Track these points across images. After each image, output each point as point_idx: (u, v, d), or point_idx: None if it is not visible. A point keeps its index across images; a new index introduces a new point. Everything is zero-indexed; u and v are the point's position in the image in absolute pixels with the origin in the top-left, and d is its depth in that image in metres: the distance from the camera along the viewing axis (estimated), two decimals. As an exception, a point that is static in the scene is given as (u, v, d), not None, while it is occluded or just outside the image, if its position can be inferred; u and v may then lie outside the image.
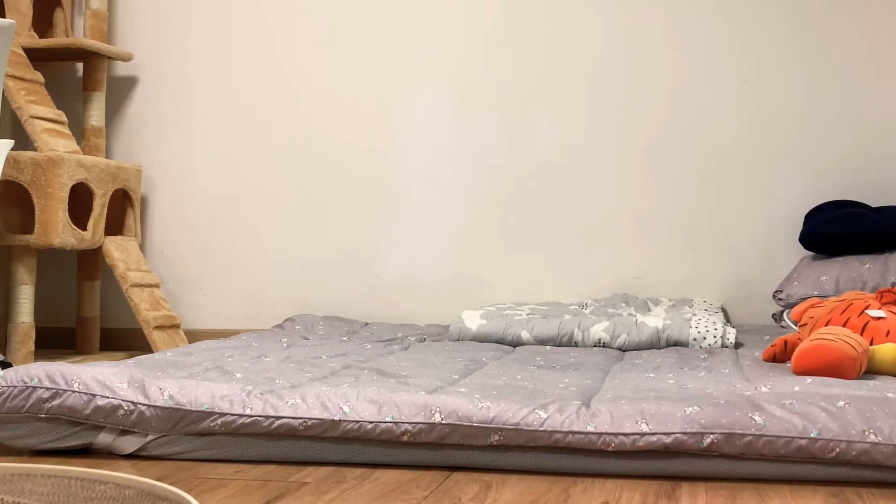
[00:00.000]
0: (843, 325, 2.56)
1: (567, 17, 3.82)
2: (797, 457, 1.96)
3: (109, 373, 2.21)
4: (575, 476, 2.01)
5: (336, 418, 2.08)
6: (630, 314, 3.37)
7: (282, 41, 3.99)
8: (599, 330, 3.17)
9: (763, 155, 3.70)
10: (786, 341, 2.68)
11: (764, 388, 2.23)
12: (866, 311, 2.57)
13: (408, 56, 3.91)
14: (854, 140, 3.65)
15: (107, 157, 4.04)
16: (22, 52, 3.64)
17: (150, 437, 2.15)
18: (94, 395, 2.15)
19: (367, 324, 3.72)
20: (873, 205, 3.62)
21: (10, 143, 2.80)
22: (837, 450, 1.94)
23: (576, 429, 2.00)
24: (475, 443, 2.04)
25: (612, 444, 1.99)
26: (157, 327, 3.61)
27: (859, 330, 2.53)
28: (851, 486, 1.94)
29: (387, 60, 3.93)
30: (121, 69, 4.10)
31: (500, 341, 3.24)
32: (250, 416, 2.10)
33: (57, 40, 3.73)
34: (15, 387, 2.17)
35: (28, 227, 3.51)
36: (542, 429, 2.01)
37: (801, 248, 3.63)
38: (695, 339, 3.09)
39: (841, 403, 2.01)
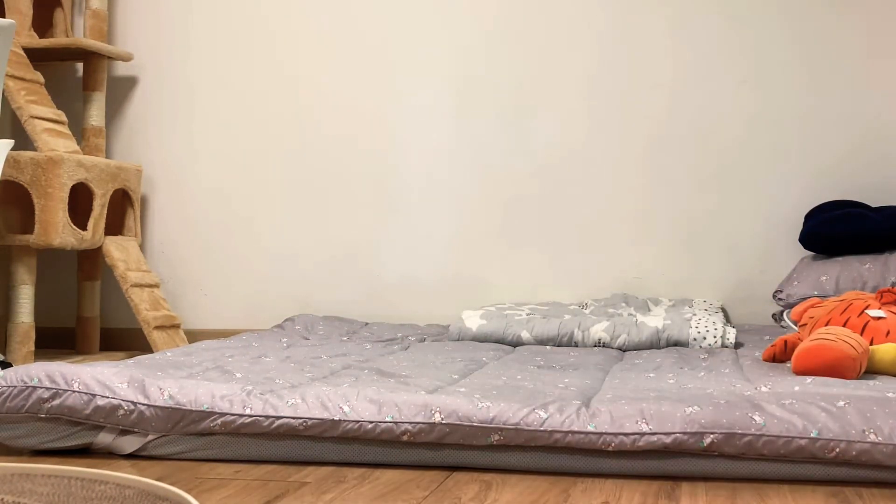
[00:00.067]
0: (843, 325, 2.56)
1: (567, 17, 3.82)
2: (797, 457, 1.96)
3: (109, 373, 2.21)
4: (575, 476, 2.01)
5: (336, 418, 2.08)
6: (630, 314, 3.37)
7: (282, 41, 3.99)
8: (599, 330, 3.17)
9: (763, 155, 3.70)
10: (786, 341, 2.68)
11: (764, 388, 2.23)
12: (866, 311, 2.57)
13: (408, 56, 3.91)
14: (854, 140, 3.65)
15: (107, 157, 4.04)
16: (22, 52, 3.64)
17: (150, 437, 2.15)
18: (94, 395, 2.15)
19: (367, 324, 3.72)
20: (873, 205, 3.62)
21: (10, 143, 2.80)
22: (837, 450, 1.94)
23: (576, 429, 2.00)
24: (475, 443, 2.04)
25: (612, 444, 1.99)
26: (157, 327, 3.61)
27: (859, 330, 2.53)
28: (851, 486, 1.94)
29: (387, 60, 3.93)
30: (121, 69, 4.10)
31: (500, 341, 3.24)
32: (250, 416, 2.10)
33: (57, 40, 3.73)
34: (15, 387, 2.17)
35: (28, 227, 3.51)
36: (542, 429, 2.01)
37: (801, 248, 3.63)
38: (695, 339, 3.09)
39: (841, 403, 2.01)
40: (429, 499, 1.84)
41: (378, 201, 3.92)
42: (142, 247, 4.02)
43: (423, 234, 3.89)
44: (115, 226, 3.82)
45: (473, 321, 3.30)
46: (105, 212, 3.62)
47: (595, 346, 3.16)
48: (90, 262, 3.84)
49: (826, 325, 2.59)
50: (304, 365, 2.61)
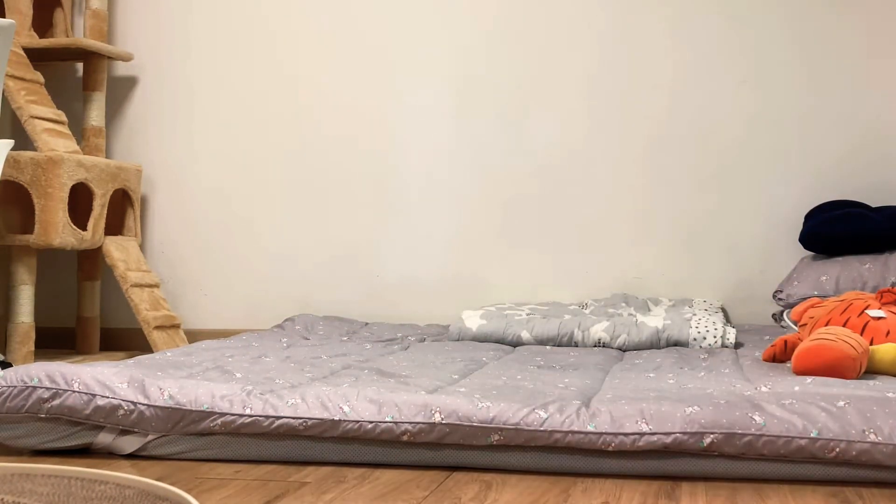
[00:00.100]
0: (843, 325, 2.56)
1: (567, 17, 3.82)
2: (797, 457, 1.96)
3: (109, 373, 2.21)
4: (575, 476, 2.01)
5: (336, 418, 2.08)
6: (630, 314, 3.37)
7: (282, 41, 3.99)
8: (599, 330, 3.17)
9: (763, 155, 3.70)
10: (786, 341, 2.68)
11: (764, 388, 2.23)
12: (866, 311, 2.57)
13: (408, 56, 3.91)
14: (854, 140, 3.65)
15: (107, 157, 4.04)
16: (22, 52, 3.64)
17: (150, 437, 2.15)
18: (94, 395, 2.15)
19: (367, 324, 3.72)
20: (873, 205, 3.62)
21: (10, 143, 2.80)
22: (837, 450, 1.94)
23: (576, 429, 2.00)
24: (475, 443, 2.04)
25: (612, 444, 1.99)
26: (157, 327, 3.61)
27: (859, 330, 2.53)
28: (851, 486, 1.94)
29: (387, 60, 3.93)
30: (121, 69, 4.10)
31: (500, 341, 3.24)
32: (250, 416, 2.10)
33: (57, 40, 3.73)
34: (15, 387, 2.17)
35: (28, 227, 3.51)
36: (542, 429, 2.01)
37: (801, 248, 3.63)
38: (695, 339, 3.09)
39: (841, 403, 2.01)
40: (429, 499, 1.84)
41: (378, 201, 3.92)
42: (142, 247, 4.02)
43: (423, 234, 3.89)
44: (115, 226, 3.82)
45: (473, 321, 3.30)
46: (105, 212, 3.62)
47: (595, 346, 3.16)
48: (90, 262, 3.84)
49: (826, 325, 2.59)
50: (304, 365, 2.61)
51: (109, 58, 3.92)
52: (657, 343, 3.11)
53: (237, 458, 2.13)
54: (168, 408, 2.14)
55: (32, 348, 3.43)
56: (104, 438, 2.17)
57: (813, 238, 3.44)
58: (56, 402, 2.15)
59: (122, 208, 3.84)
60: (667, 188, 3.75)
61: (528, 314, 3.39)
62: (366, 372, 2.48)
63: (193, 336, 3.94)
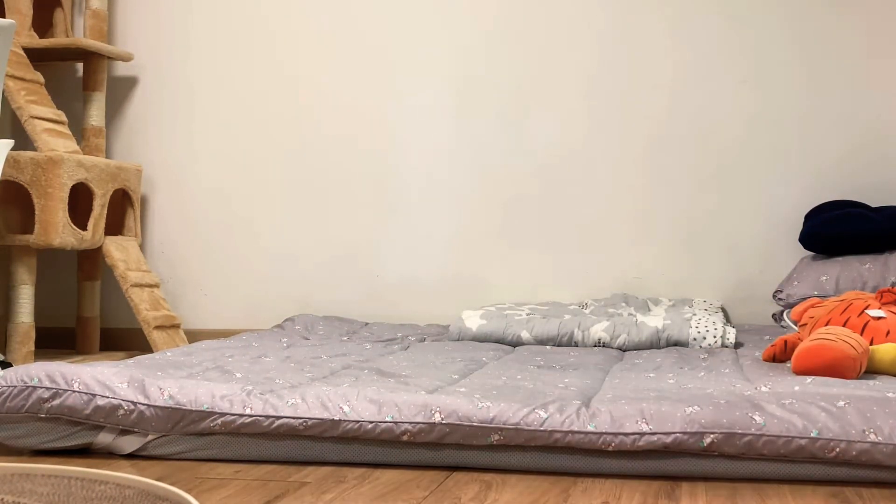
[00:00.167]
0: (843, 325, 2.56)
1: (567, 17, 3.82)
2: (797, 457, 1.96)
3: (109, 373, 2.21)
4: (575, 476, 2.01)
5: (336, 418, 2.08)
6: (630, 314, 3.37)
7: (282, 41, 3.99)
8: (599, 330, 3.17)
9: (763, 155, 3.70)
10: (786, 341, 2.68)
11: (764, 388, 2.23)
12: (866, 311, 2.57)
13: (408, 56, 3.91)
14: (854, 140, 3.65)
15: (107, 157, 4.04)
16: (22, 52, 3.64)
17: (150, 437, 2.15)
18: (94, 395, 2.15)
19: (367, 324, 3.72)
20: (873, 205, 3.62)
21: (10, 143, 2.80)
22: (837, 450, 1.94)
23: (576, 429, 2.00)
24: (475, 443, 2.04)
25: (612, 444, 1.99)
26: (157, 327, 3.61)
27: (859, 330, 2.53)
28: (851, 486, 1.94)
29: (387, 60, 3.93)
30: (121, 69, 4.10)
31: (500, 341, 3.24)
32: (250, 416, 2.10)
33: (57, 40, 3.73)
34: (15, 387, 2.17)
35: (28, 227, 3.51)
36: (542, 429, 2.01)
37: (801, 248, 3.63)
38: (695, 339, 3.09)
39: (841, 403, 2.01)
40: (429, 499, 1.84)
41: (378, 201, 3.92)
42: (142, 247, 4.02)
43: (423, 234, 3.89)
44: (115, 226, 3.82)
45: (473, 321, 3.30)
46: (105, 212, 3.62)
47: (595, 346, 3.16)
48: (90, 262, 3.84)
49: (826, 325, 2.59)
50: (304, 365, 2.61)
51: (109, 58, 3.92)
52: (657, 343, 3.11)
53: (237, 458, 2.13)
54: (168, 408, 2.14)
55: (32, 348, 3.43)
56: (104, 438, 2.17)
57: (813, 238, 3.44)
58: (56, 402, 2.15)
59: (122, 208, 3.84)
60: (667, 188, 3.75)
61: (528, 314, 3.39)
62: (366, 372, 2.48)
63: (193, 336, 3.94)
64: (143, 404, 2.15)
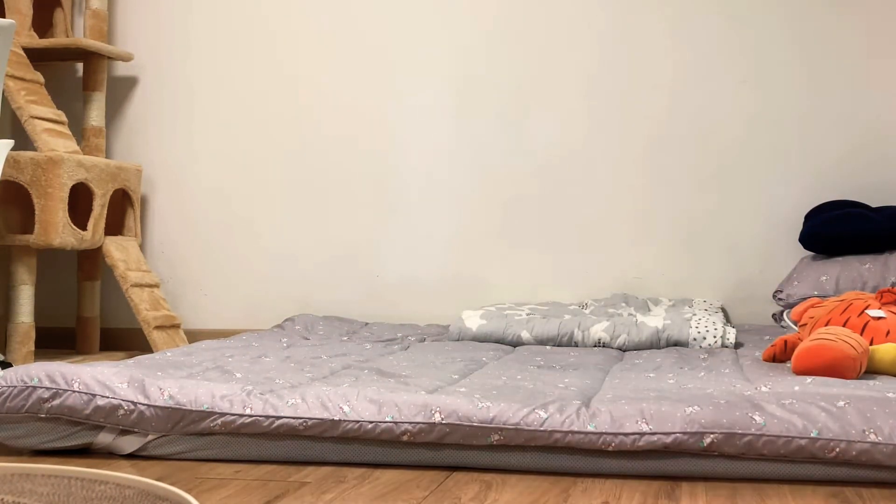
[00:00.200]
0: (843, 325, 2.56)
1: (567, 17, 3.82)
2: (797, 457, 1.96)
3: (109, 373, 2.21)
4: (575, 476, 2.01)
5: (336, 418, 2.08)
6: (630, 314, 3.37)
7: (282, 41, 3.99)
8: (599, 330, 3.17)
9: (763, 155, 3.70)
10: (786, 341, 2.68)
11: (764, 388, 2.23)
12: (866, 311, 2.57)
13: (408, 56, 3.91)
14: (854, 140, 3.65)
15: (107, 157, 4.04)
16: (22, 52, 3.64)
17: (150, 437, 2.15)
18: (94, 395, 2.15)
19: (367, 324, 3.72)
20: (873, 205, 3.62)
21: (10, 143, 2.80)
22: (837, 450, 1.94)
23: (576, 429, 2.00)
24: (475, 443, 2.04)
25: (612, 444, 1.99)
26: (157, 327, 3.61)
27: (859, 330, 2.53)
28: (851, 486, 1.94)
29: (387, 60, 3.93)
30: (121, 69, 4.10)
31: (500, 341, 3.24)
32: (250, 416, 2.10)
33: (57, 40, 3.73)
34: (15, 387, 2.17)
35: (28, 227, 3.51)
36: (542, 429, 2.01)
37: (801, 248, 3.63)
38: (695, 339, 3.09)
39: (841, 403, 2.01)
40: (429, 499, 1.84)
41: (378, 201, 3.92)
42: (142, 247, 4.02)
43: (423, 234, 3.89)
44: (115, 226, 3.82)
45: (473, 321, 3.30)
46: (105, 212, 3.62)
47: (595, 346, 3.16)
48: (90, 262, 3.84)
49: (826, 325, 2.59)
50: (304, 365, 2.61)
51: (109, 58, 3.92)
52: (657, 343, 3.11)
53: (237, 458, 2.13)
54: (168, 408, 2.14)
55: (32, 348, 3.43)
56: (104, 438, 2.17)
57: (813, 238, 3.44)
58: (56, 402, 2.15)
59: (122, 208, 3.84)
60: (667, 188, 3.75)
61: (528, 314, 3.39)
62: (366, 372, 2.48)
63: (193, 336, 3.94)
64: (143, 404, 2.15)
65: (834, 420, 1.96)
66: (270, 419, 2.10)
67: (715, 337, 3.07)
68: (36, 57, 3.84)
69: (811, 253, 3.56)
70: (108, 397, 2.15)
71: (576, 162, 3.80)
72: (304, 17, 3.98)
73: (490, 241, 3.85)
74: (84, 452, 2.19)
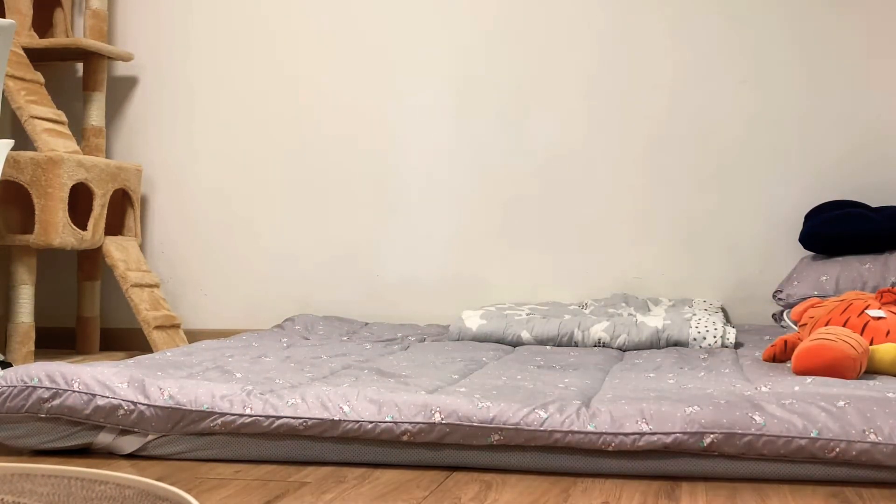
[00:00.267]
0: (843, 325, 2.56)
1: (567, 17, 3.82)
2: (797, 457, 1.96)
3: (109, 373, 2.21)
4: (575, 476, 2.01)
5: (336, 418, 2.08)
6: (630, 314, 3.37)
7: (282, 41, 3.99)
8: (599, 330, 3.17)
9: (763, 155, 3.70)
10: (786, 341, 2.68)
11: (764, 388, 2.23)
12: (866, 311, 2.57)
13: (408, 56, 3.91)
14: (854, 140, 3.65)
15: (107, 157, 4.04)
16: (22, 52, 3.64)
17: (150, 437, 2.15)
18: (94, 395, 2.15)
19: (367, 324, 3.72)
20: (873, 205, 3.62)
21: (10, 143, 2.80)
22: (837, 450, 1.94)
23: (576, 429, 2.00)
24: (475, 443, 2.04)
25: (612, 444, 1.99)
26: (157, 327, 3.61)
27: (859, 330, 2.53)
28: (851, 486, 1.94)
29: (387, 60, 3.93)
30: (121, 69, 4.10)
31: (500, 341, 3.24)
32: (250, 416, 2.10)
33: (57, 40, 3.73)
34: (15, 387, 2.17)
35: (28, 227, 3.51)
36: (542, 429, 2.01)
37: (801, 248, 3.63)
38: (695, 339, 3.09)
39: (841, 403, 2.01)
40: (429, 499, 1.84)
41: (378, 201, 3.92)
42: (142, 247, 4.02)
43: (423, 234, 3.89)
44: (115, 226, 3.82)
45: (473, 321, 3.30)
46: (105, 212, 3.62)
47: (595, 346, 3.16)
48: (90, 262, 3.84)
49: (826, 325, 2.59)
50: (304, 365, 2.61)
51: (109, 58, 3.92)
52: (657, 343, 3.11)
53: (237, 458, 2.13)
54: (168, 408, 2.14)
55: (32, 348, 3.43)
56: (104, 438, 2.17)
57: (813, 238, 3.44)
58: (56, 402, 2.15)
59: (122, 208, 3.84)
60: (667, 188, 3.75)
61: (528, 314, 3.39)
62: (366, 372, 2.48)
63: (193, 336, 3.94)
64: (143, 404, 2.15)
65: (834, 420, 1.96)
66: (270, 419, 2.10)
67: (715, 337, 3.07)
68: (36, 57, 3.84)
69: (811, 253, 3.56)
70: (108, 397, 2.15)
71: (576, 162, 3.80)
72: (304, 17, 3.98)
73: (490, 241, 3.85)
74: (84, 452, 2.19)
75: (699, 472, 1.99)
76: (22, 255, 3.44)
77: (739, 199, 3.71)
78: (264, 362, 2.64)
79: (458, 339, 3.27)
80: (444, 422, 2.04)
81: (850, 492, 1.90)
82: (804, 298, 3.30)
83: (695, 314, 3.22)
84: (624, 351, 3.12)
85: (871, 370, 2.43)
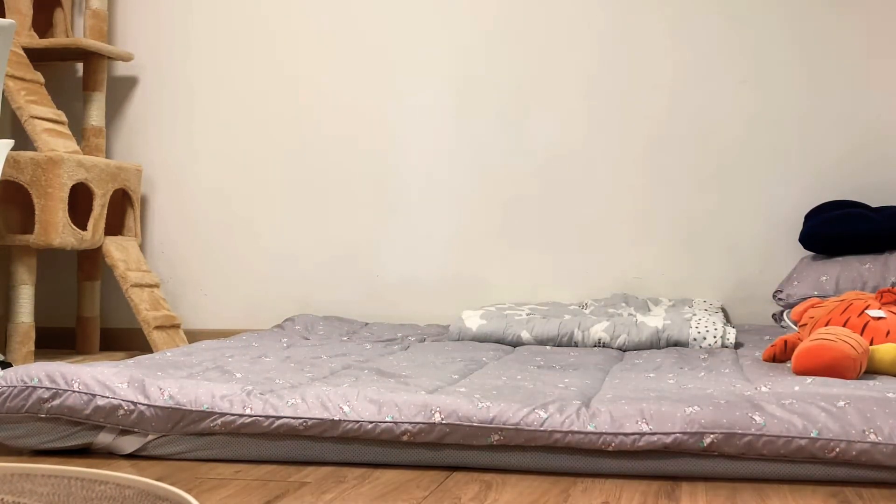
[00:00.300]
0: (843, 325, 2.56)
1: (567, 17, 3.82)
2: (797, 457, 1.96)
3: (109, 373, 2.21)
4: (575, 476, 2.01)
5: (336, 418, 2.08)
6: (630, 314, 3.37)
7: (282, 41, 3.99)
8: (599, 330, 3.17)
9: (763, 155, 3.70)
10: (786, 341, 2.68)
11: (764, 388, 2.23)
12: (866, 311, 2.57)
13: (408, 56, 3.91)
14: (854, 140, 3.65)
15: (107, 157, 4.04)
16: (22, 52, 3.64)
17: (150, 437, 2.15)
18: (94, 395, 2.15)
19: (367, 324, 3.72)
20: (873, 205, 3.62)
21: (10, 143, 2.80)
22: (837, 450, 1.94)
23: (576, 429, 2.00)
24: (475, 443, 2.04)
25: (612, 444, 1.99)
26: (157, 327, 3.61)
27: (859, 330, 2.53)
28: (851, 486, 1.94)
29: (387, 60, 3.93)
30: (121, 69, 4.10)
31: (500, 341, 3.24)
32: (250, 416, 2.10)
33: (57, 40, 3.73)
34: (15, 387, 2.17)
35: (28, 227, 3.51)
36: (542, 429, 2.01)
37: (801, 248, 3.63)
38: (695, 339, 3.09)
39: (841, 403, 2.01)
40: (429, 499, 1.84)
41: (378, 201, 3.92)
42: (142, 247, 4.02)
43: (423, 234, 3.89)
44: (115, 226, 3.82)
45: (473, 321, 3.30)
46: (105, 212, 3.62)
47: (595, 346, 3.16)
48: (90, 262, 3.84)
49: (826, 325, 2.59)
50: (304, 365, 2.61)
51: (109, 58, 3.92)
52: (657, 343, 3.11)
53: (237, 458, 2.13)
54: (168, 408, 2.14)
55: (32, 348, 3.43)
56: (104, 438, 2.17)
57: (813, 238, 3.44)
58: (56, 402, 2.15)
59: (122, 208, 3.84)
60: (667, 188, 3.75)
61: (528, 314, 3.39)
62: (366, 372, 2.48)
63: (193, 336, 3.94)
64: (143, 404, 2.15)
65: (834, 420, 1.96)
66: (270, 419, 2.10)
67: (715, 337, 3.07)
68: (36, 57, 3.84)
69: (811, 253, 3.56)
70: (108, 397, 2.15)
71: (576, 162, 3.80)
72: (304, 17, 3.98)
73: (490, 241, 3.85)
74: (84, 452, 2.19)
75: (699, 473, 1.99)
76: (22, 255, 3.44)
77: (739, 199, 3.71)
78: (264, 362, 2.64)
79: (458, 340, 3.27)
80: (444, 422, 2.04)
81: (850, 492, 1.90)
82: (804, 298, 3.31)
83: (695, 314, 3.22)
84: (624, 351, 3.12)
85: (871, 370, 2.43)
